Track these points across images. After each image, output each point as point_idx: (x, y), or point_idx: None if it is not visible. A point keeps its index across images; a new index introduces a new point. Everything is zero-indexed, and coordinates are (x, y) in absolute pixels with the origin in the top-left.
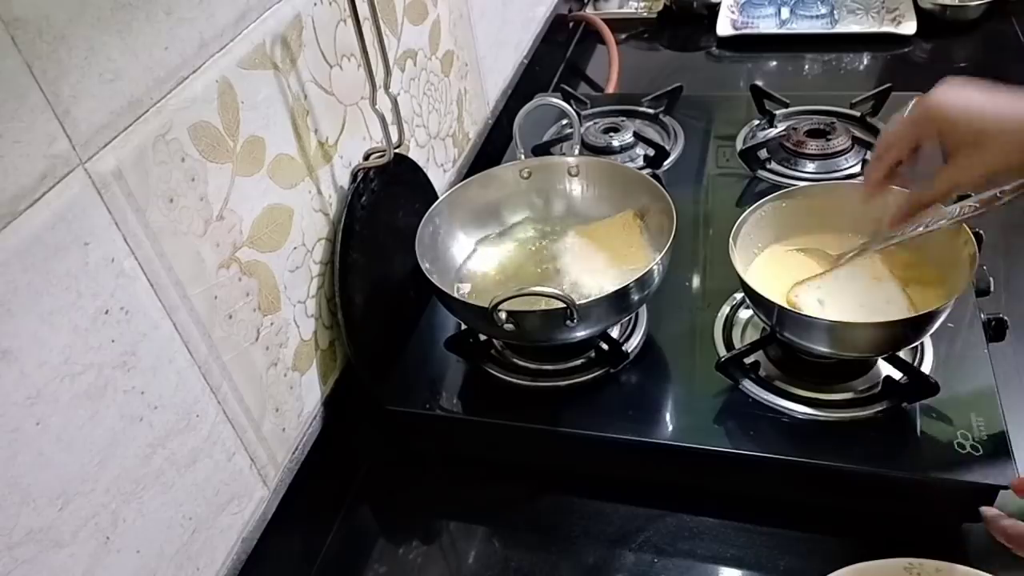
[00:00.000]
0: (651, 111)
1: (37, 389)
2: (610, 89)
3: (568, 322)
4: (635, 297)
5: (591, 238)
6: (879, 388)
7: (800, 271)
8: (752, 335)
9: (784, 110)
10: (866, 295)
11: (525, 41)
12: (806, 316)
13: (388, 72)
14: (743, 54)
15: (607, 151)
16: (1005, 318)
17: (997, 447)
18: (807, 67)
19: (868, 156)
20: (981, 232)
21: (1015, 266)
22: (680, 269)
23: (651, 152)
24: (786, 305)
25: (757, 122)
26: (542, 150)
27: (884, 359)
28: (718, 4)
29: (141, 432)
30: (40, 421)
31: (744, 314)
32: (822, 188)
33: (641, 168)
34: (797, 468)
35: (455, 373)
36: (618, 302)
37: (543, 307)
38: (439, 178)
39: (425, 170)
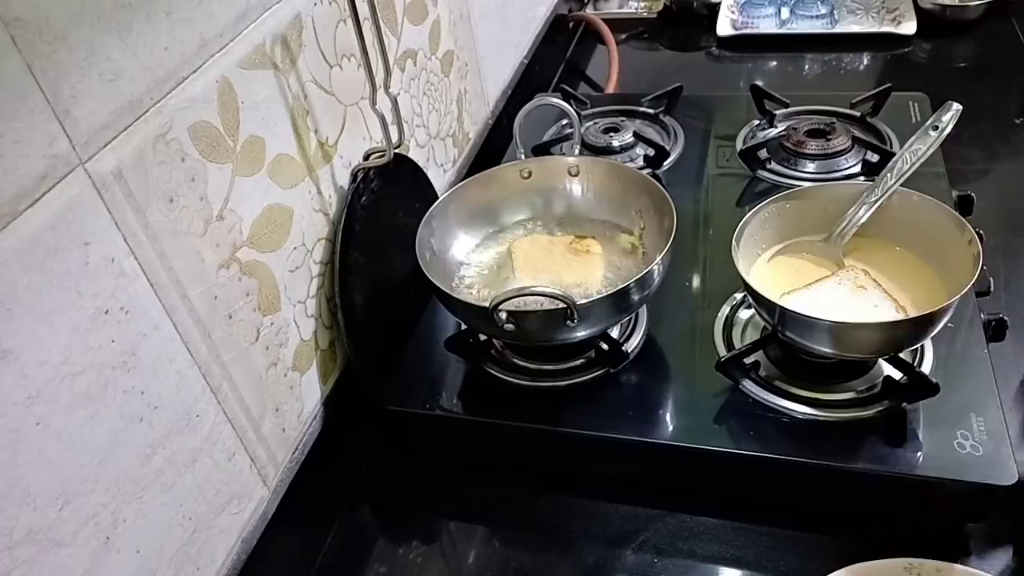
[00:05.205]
0: (651, 111)
1: (37, 389)
2: (610, 89)
3: (568, 322)
4: (635, 297)
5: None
6: (879, 388)
7: (802, 271)
8: (752, 335)
9: (784, 110)
10: (853, 302)
11: (525, 41)
12: (809, 317)
13: (388, 72)
14: (743, 54)
15: (607, 151)
16: (1005, 318)
17: (997, 447)
18: (807, 67)
19: (868, 156)
20: (981, 232)
21: (1015, 266)
22: (680, 269)
23: (651, 152)
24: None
25: (757, 122)
26: (542, 150)
27: (884, 359)
28: (718, 4)
29: (141, 432)
30: (40, 421)
31: (744, 314)
32: (824, 188)
33: (641, 168)
34: (797, 468)
35: (455, 373)
36: (618, 302)
37: (543, 307)
38: (439, 178)
39: (425, 170)
